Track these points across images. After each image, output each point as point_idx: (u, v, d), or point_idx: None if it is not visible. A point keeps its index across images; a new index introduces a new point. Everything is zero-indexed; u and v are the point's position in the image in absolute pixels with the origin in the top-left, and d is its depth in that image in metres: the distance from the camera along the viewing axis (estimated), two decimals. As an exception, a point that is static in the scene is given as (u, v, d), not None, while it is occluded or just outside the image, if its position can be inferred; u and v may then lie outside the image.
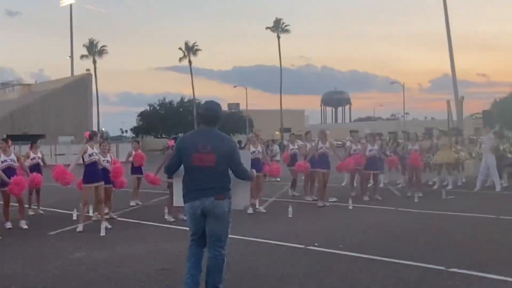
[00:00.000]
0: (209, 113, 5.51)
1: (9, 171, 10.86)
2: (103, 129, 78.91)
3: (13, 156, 11.10)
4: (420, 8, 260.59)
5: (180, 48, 75.65)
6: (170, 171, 5.71)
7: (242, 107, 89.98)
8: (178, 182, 5.63)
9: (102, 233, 10.03)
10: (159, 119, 76.88)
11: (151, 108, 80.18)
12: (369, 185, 15.42)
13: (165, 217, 11.71)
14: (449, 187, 16.76)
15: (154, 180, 12.33)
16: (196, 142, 5.41)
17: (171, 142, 12.06)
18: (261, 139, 14.08)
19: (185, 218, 11.35)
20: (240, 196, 5.85)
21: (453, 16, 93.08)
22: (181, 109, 78.61)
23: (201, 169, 5.35)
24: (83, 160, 10.68)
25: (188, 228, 5.71)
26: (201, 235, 5.52)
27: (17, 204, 11.16)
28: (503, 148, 17.18)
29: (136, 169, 14.98)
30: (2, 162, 10.89)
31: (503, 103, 72.00)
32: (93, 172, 10.71)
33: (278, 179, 21.54)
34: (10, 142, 11.42)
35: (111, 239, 9.61)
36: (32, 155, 13.37)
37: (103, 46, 74.80)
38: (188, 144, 5.47)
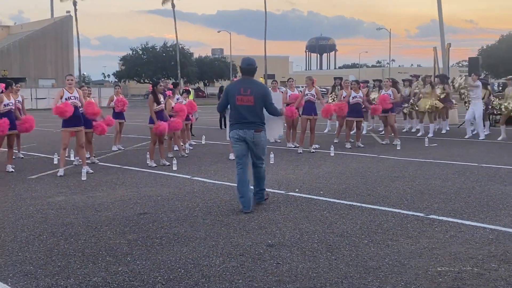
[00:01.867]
0: (248, 66, 7.40)
1: (9, 114, 11.21)
2: (84, 73, 77.91)
3: (12, 100, 11.43)
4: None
5: (163, -10, 73.88)
6: (221, 109, 7.77)
7: (226, 52, 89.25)
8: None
9: (84, 177, 10.04)
10: (142, 64, 75.95)
11: (134, 52, 79.02)
12: (352, 132, 15.46)
13: (147, 162, 11.71)
14: (430, 134, 16.92)
15: (163, 128, 11.61)
16: (239, 87, 7.29)
17: (150, 87, 11.97)
18: None
19: (167, 163, 11.48)
20: (274, 129, 7.96)
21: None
22: (164, 54, 77.55)
23: (243, 107, 7.21)
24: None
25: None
26: (244, 157, 7.35)
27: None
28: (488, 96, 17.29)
29: (118, 114, 14.90)
30: (5, 105, 11.13)
31: (490, 50, 72.15)
32: (73, 116, 10.59)
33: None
34: (18, 86, 12.47)
35: (92, 183, 9.62)
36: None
37: (84, -13, 72.88)
38: (233, 89, 7.34)
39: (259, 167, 7.57)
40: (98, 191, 8.87)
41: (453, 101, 19.01)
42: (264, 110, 7.38)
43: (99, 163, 12.12)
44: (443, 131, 18.25)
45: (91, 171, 10.73)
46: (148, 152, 11.95)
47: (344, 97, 14.89)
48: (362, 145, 14.60)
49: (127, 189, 9.04)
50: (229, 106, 7.49)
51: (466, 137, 16.45)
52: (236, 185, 7.49)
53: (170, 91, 13.43)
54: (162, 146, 11.96)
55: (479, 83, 16.33)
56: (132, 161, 12.49)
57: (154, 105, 11.66)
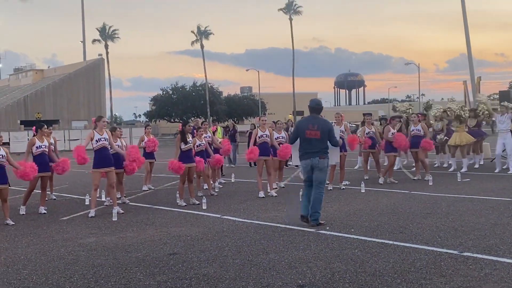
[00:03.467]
0: (317, 106, 9.18)
1: (42, 156, 11.32)
2: (116, 114, 79.22)
3: (46, 142, 11.50)
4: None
5: (192, 32, 75.38)
6: (292, 141, 9.50)
7: (255, 90, 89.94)
8: (296, 148, 9.36)
9: (114, 218, 10.12)
10: (172, 104, 76.87)
11: (164, 92, 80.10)
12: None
13: (177, 202, 11.76)
14: (464, 169, 16.63)
15: (179, 167, 11.74)
16: (308, 123, 9.02)
17: (180, 127, 12.14)
18: (279, 123, 13.87)
19: (197, 202, 11.51)
20: (334, 156, 9.64)
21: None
22: (193, 93, 78.49)
23: (311, 140, 8.91)
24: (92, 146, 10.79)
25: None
26: (309, 181, 8.98)
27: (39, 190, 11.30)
28: None
29: (149, 154, 15.04)
30: (37, 147, 11.27)
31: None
32: (103, 157, 10.78)
33: (291, 162, 21.60)
34: (50, 128, 12.52)
35: (123, 224, 9.68)
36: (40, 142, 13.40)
37: (115, 30, 74.71)
38: (303, 124, 9.09)
39: (319, 190, 8.92)
40: (128, 232, 8.91)
41: (486, 133, 18.77)
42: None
43: (130, 203, 12.21)
44: (476, 166, 17.92)
45: (122, 211, 10.80)
46: (177, 192, 12.00)
47: (367, 133, 15.13)
48: (396, 181, 14.42)
49: (157, 229, 9.06)
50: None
51: (496, 171, 16.09)
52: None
53: (214, 127, 13.71)
54: (191, 185, 12.01)
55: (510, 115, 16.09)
56: (162, 201, 12.54)
57: (181, 144, 11.77)
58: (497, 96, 36.16)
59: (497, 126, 16.72)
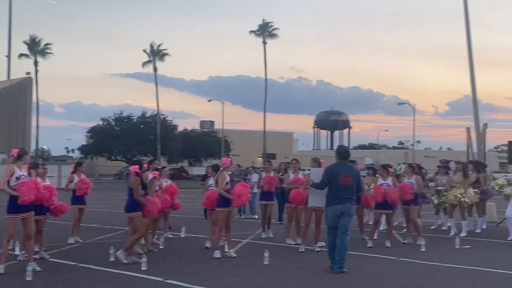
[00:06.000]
0: (346, 153, 11.57)
1: None
2: (44, 147, 78.43)
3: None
4: (437, 15, 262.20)
5: (144, 51, 75.60)
6: (322, 187, 11.46)
7: (218, 125, 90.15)
8: (314, 192, 12.27)
9: (29, 277, 9.86)
10: (114, 137, 76.24)
11: (105, 123, 79.58)
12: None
13: (120, 257, 11.54)
14: (463, 234, 16.71)
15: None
16: (341, 169, 11.12)
17: (133, 168, 12.12)
18: (237, 167, 14.23)
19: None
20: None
21: (476, 27, 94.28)
22: (141, 126, 78.26)
23: (345, 186, 10.99)
24: (8, 184, 10.55)
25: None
26: (335, 228, 11.00)
27: None
28: None
29: (78, 199, 14.80)
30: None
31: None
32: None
33: (256, 216, 21.54)
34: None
35: (38, 285, 9.44)
36: None
37: (47, 44, 74.60)
38: (336, 170, 11.13)
39: (346, 236, 10.90)
40: (44, 295, 8.67)
41: (492, 192, 18.99)
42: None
43: (50, 259, 11.96)
44: (478, 230, 18.06)
45: (39, 269, 10.56)
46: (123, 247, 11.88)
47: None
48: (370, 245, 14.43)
49: (82, 293, 8.85)
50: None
51: (509, 238, 16.25)
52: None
53: (157, 171, 13.84)
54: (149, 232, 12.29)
55: None
56: (92, 258, 12.31)
57: (139, 189, 11.84)
58: (506, 147, 36.91)
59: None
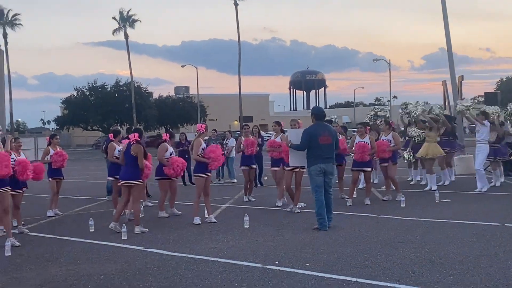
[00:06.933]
0: (322, 113, 12.00)
1: None
2: (18, 119, 77.54)
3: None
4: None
5: (114, 18, 74.61)
6: (302, 148, 11.58)
7: (193, 91, 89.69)
8: (294, 153, 12.07)
9: (7, 252, 9.81)
10: (89, 107, 75.67)
11: (79, 93, 78.87)
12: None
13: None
14: (433, 187, 16.72)
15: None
16: (319, 130, 11.40)
17: (111, 136, 12.77)
18: (213, 132, 14.16)
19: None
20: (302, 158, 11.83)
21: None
22: (116, 95, 77.63)
23: (324, 146, 11.30)
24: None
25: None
26: (322, 187, 11.28)
27: None
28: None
29: (55, 171, 14.65)
30: None
31: (511, 83, 73.49)
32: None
33: (234, 180, 21.55)
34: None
35: (18, 260, 9.40)
36: None
37: (16, 14, 73.44)
38: (315, 131, 11.37)
39: (331, 194, 11.57)
40: (24, 271, 8.64)
41: (462, 144, 19.11)
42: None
43: (29, 233, 11.90)
44: (446, 183, 18.14)
45: (18, 243, 10.49)
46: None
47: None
48: (369, 203, 14.47)
49: (62, 266, 8.83)
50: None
51: (476, 190, 16.29)
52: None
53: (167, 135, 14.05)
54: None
55: (487, 122, 16.45)
56: (72, 230, 12.26)
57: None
58: (483, 99, 37.04)
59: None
